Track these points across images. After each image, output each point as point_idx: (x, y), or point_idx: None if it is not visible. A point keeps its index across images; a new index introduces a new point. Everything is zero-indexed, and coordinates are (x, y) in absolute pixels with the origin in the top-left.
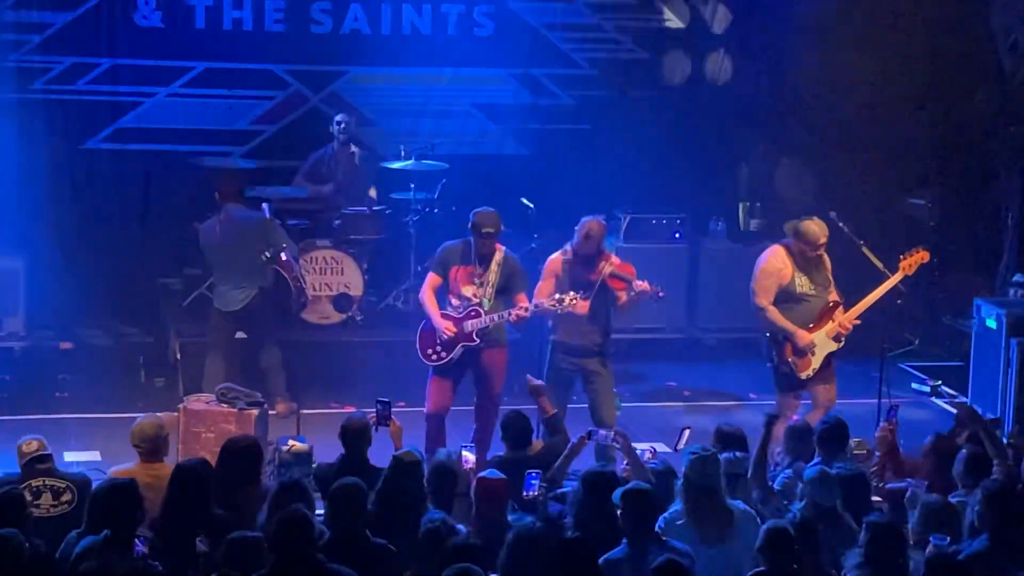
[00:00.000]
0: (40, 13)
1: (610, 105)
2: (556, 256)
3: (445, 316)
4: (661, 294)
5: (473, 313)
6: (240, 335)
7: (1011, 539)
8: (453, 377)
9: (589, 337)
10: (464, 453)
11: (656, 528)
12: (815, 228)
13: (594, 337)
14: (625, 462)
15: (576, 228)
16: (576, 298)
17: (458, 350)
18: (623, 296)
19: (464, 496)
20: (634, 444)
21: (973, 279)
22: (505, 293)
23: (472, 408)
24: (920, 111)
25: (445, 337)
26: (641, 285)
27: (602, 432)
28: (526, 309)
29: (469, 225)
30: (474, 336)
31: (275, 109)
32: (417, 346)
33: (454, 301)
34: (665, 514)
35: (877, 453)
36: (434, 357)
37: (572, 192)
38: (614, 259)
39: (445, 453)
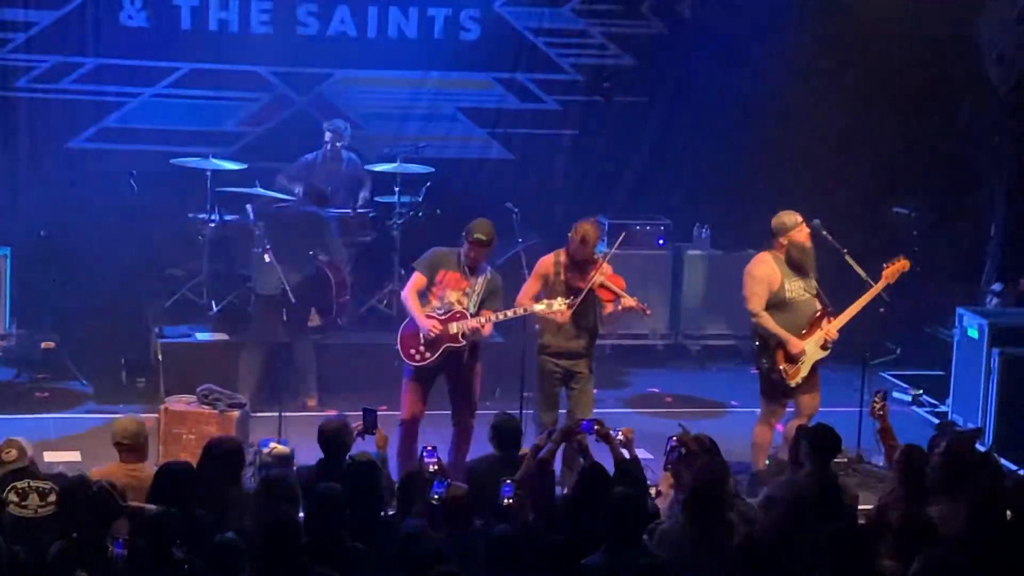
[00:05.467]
0: (25, 11)
1: (595, 110)
2: (548, 257)
3: (429, 316)
4: (648, 312)
5: (458, 315)
6: None
7: (993, 549)
8: (429, 380)
9: (577, 340)
10: (424, 456)
11: (645, 536)
12: (782, 218)
13: (582, 340)
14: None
15: (571, 232)
16: (564, 304)
17: (442, 351)
18: (609, 306)
19: (421, 499)
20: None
21: (956, 288)
22: (480, 307)
23: (442, 412)
24: (905, 121)
25: (430, 337)
26: (628, 302)
27: (585, 422)
28: (514, 311)
29: (463, 231)
30: (460, 337)
31: (260, 111)
32: (399, 346)
33: (435, 303)
34: (662, 525)
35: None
36: (418, 357)
37: (557, 197)
38: (606, 268)
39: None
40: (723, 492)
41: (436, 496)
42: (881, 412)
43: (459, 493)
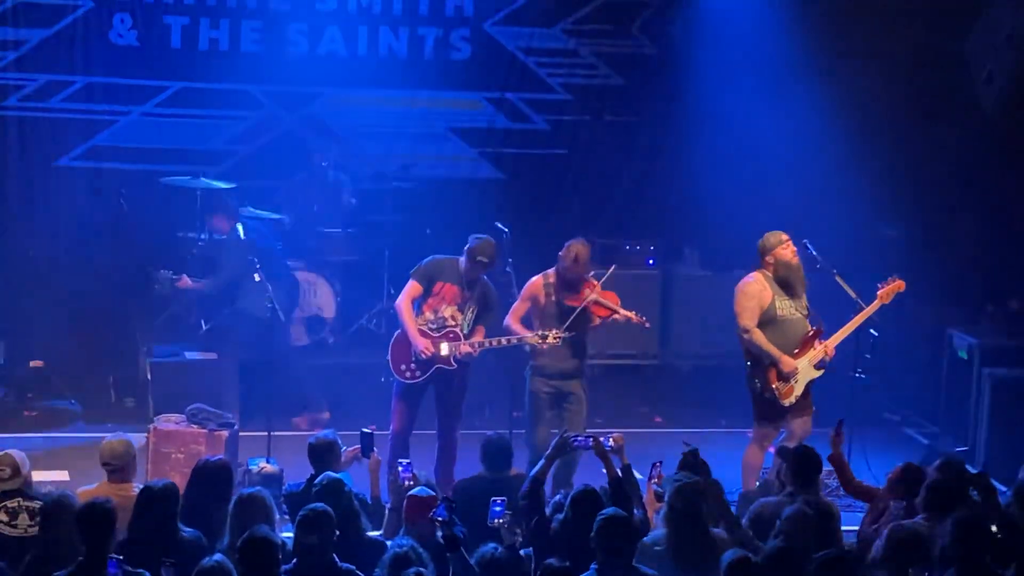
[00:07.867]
0: (15, 30)
1: (585, 130)
2: (537, 279)
3: (423, 334)
4: (647, 325)
5: (451, 336)
6: None
7: (978, 571)
8: (418, 395)
9: (569, 360)
10: (400, 470)
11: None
12: (767, 237)
13: (574, 360)
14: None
15: (561, 252)
16: (559, 335)
17: (433, 371)
18: (598, 321)
19: (395, 511)
20: None
21: (945, 309)
22: (475, 323)
23: (430, 432)
24: (893, 141)
25: (423, 358)
26: (627, 314)
27: (580, 438)
28: (508, 339)
29: (465, 248)
30: (452, 360)
31: (250, 130)
32: (389, 358)
33: (428, 315)
34: (644, 539)
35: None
36: (408, 375)
37: (546, 217)
38: (598, 286)
39: (424, 478)
40: (701, 507)
41: (440, 519)
42: (836, 441)
43: (426, 500)
